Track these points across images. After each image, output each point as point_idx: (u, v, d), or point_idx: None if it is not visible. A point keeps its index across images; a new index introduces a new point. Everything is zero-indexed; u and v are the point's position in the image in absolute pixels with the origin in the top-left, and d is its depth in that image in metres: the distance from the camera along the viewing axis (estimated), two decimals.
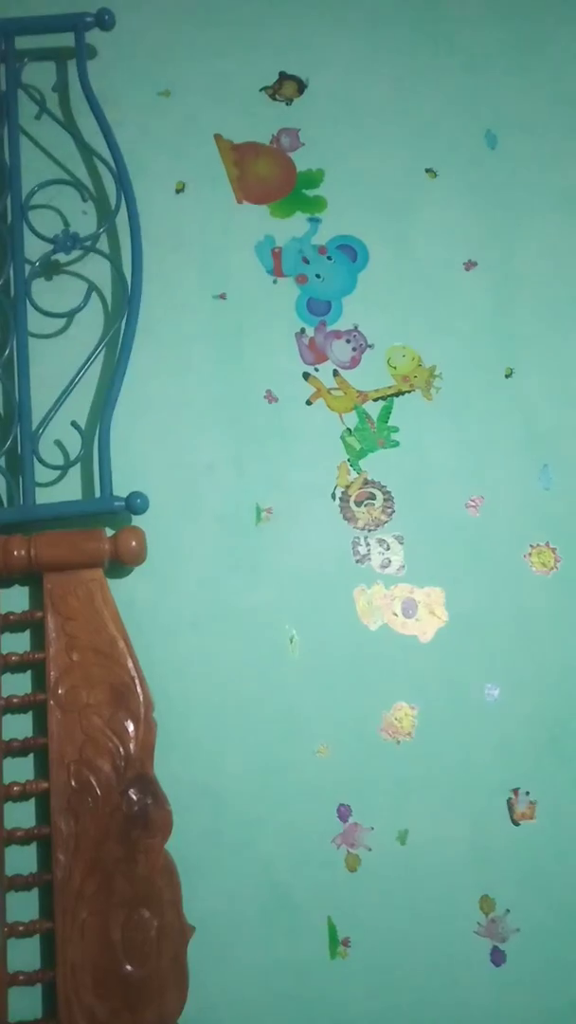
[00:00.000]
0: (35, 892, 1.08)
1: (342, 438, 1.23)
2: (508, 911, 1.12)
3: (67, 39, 1.26)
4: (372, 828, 1.12)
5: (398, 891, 1.11)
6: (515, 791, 1.15)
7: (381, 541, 1.20)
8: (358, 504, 1.21)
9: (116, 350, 1.17)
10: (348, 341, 1.26)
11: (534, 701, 1.16)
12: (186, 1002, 1.04)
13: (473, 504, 1.22)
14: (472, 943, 1.11)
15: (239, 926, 1.09)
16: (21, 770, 1.09)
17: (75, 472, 1.17)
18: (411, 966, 1.10)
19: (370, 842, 1.12)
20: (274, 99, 1.32)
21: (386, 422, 1.24)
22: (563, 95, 1.36)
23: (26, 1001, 1.05)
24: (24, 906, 1.07)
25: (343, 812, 1.13)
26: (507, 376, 1.26)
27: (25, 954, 1.06)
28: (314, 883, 1.10)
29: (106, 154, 1.22)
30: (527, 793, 1.15)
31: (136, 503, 1.11)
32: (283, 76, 1.32)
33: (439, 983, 1.10)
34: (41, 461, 1.14)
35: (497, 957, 1.11)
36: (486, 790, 1.14)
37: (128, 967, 1.03)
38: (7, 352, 1.16)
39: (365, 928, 1.10)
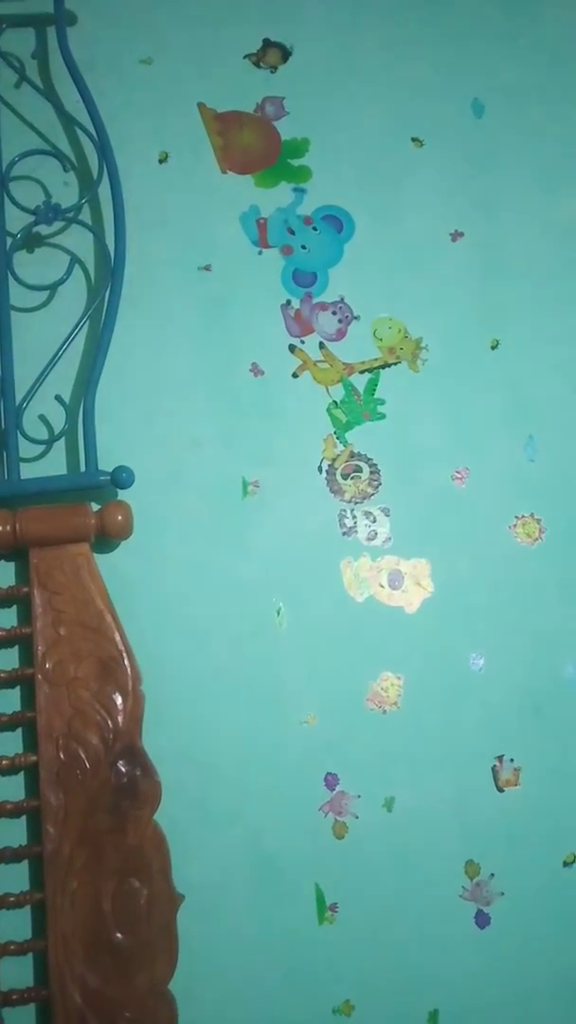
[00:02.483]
0: (25, 864, 1.09)
1: (328, 411, 1.23)
2: (492, 875, 1.14)
3: (46, 5, 1.23)
4: (359, 796, 1.14)
5: (385, 857, 1.13)
6: (499, 758, 1.16)
7: (367, 513, 1.20)
8: (344, 477, 1.21)
9: (100, 323, 1.16)
10: (334, 313, 1.25)
11: (518, 670, 1.18)
12: (176, 968, 1.05)
13: (459, 476, 1.23)
14: (457, 907, 1.13)
15: (228, 894, 1.11)
16: (10, 744, 1.10)
17: (60, 447, 1.17)
18: (397, 930, 1.12)
19: (357, 810, 1.14)
20: (258, 67, 1.30)
21: (372, 394, 1.24)
22: (549, 64, 1.35)
23: (18, 970, 1.07)
24: (15, 877, 1.08)
25: (330, 781, 1.14)
26: (493, 348, 1.26)
27: (16, 924, 1.07)
28: (302, 850, 1.12)
29: (88, 123, 1.20)
30: (511, 760, 1.16)
31: (122, 477, 1.11)
32: (267, 43, 1.30)
33: (425, 946, 1.12)
34: (25, 436, 1.14)
35: (482, 920, 1.13)
36: (471, 757, 1.16)
37: (119, 935, 1.04)
38: None
39: (352, 894, 1.12)
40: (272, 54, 1.30)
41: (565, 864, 1.16)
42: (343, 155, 1.29)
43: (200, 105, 1.28)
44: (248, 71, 1.29)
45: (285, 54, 1.30)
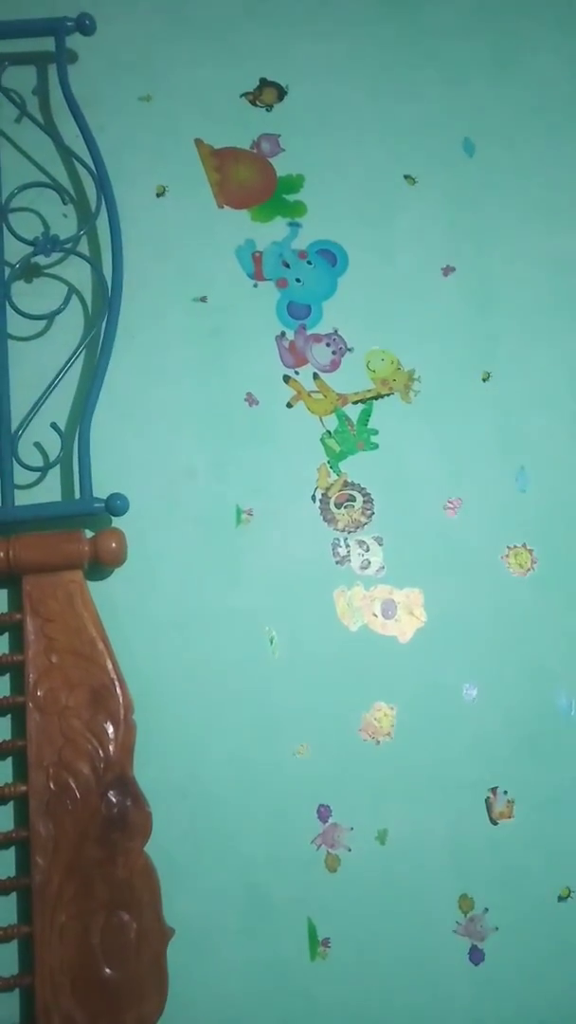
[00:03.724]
0: (13, 896, 1.07)
1: (322, 440, 1.24)
2: (487, 910, 1.13)
3: (48, 43, 1.26)
4: (352, 828, 1.13)
5: (378, 891, 1.11)
6: (493, 790, 1.16)
7: (361, 543, 1.21)
8: (338, 506, 1.22)
9: (96, 352, 1.17)
10: (328, 344, 1.27)
11: (511, 700, 1.18)
12: (166, 1005, 1.03)
13: (451, 506, 1.23)
14: (451, 942, 1.12)
15: (219, 928, 1.09)
16: None
17: (54, 474, 1.17)
18: (390, 966, 1.10)
19: (350, 842, 1.13)
20: (254, 105, 1.33)
21: (365, 425, 1.25)
22: (539, 105, 1.38)
23: (4, 1006, 1.05)
24: (2, 910, 1.06)
25: (323, 812, 1.13)
26: (484, 380, 1.28)
27: (3, 959, 1.05)
28: (294, 884, 1.10)
29: (87, 158, 1.22)
30: (505, 792, 1.16)
31: (116, 504, 1.11)
32: (263, 82, 1.33)
33: (418, 982, 1.10)
34: (20, 463, 1.14)
35: (476, 956, 1.12)
36: (464, 789, 1.15)
37: (107, 970, 1.03)
38: None
39: (345, 928, 1.10)
40: (268, 93, 1.33)
41: (560, 899, 1.15)
42: (337, 191, 1.31)
43: (197, 141, 1.31)
44: (245, 109, 1.32)
45: (281, 93, 1.34)
